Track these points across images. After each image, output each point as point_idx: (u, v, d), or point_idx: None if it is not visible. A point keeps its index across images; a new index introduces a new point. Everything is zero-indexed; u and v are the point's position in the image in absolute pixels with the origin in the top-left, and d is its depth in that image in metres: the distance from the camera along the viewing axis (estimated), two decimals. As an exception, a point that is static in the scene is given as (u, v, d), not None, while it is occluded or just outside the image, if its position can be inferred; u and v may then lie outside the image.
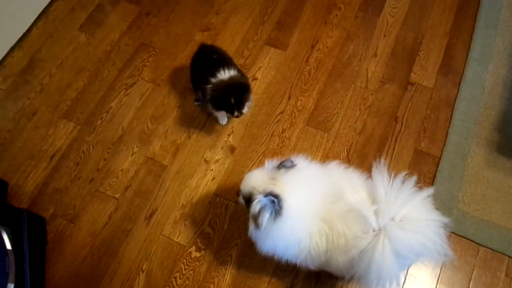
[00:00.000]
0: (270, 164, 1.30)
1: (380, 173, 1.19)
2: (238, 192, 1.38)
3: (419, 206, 1.17)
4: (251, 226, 1.30)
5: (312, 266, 1.38)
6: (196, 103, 1.97)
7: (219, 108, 1.74)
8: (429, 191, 1.18)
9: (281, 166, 1.26)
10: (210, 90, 1.68)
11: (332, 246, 1.24)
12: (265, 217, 1.22)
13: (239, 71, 1.75)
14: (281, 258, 1.38)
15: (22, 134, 1.95)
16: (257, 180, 1.27)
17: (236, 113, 1.71)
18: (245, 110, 1.75)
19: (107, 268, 1.68)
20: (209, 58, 1.76)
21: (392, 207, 1.15)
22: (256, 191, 1.24)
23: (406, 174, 1.18)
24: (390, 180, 1.18)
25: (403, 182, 1.17)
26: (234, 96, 1.65)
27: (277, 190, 1.21)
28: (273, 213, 1.21)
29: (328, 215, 1.23)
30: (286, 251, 1.33)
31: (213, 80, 1.68)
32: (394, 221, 1.14)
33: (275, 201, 1.19)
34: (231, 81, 1.67)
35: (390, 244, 1.13)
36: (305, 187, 1.26)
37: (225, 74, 1.68)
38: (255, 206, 1.22)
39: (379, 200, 1.17)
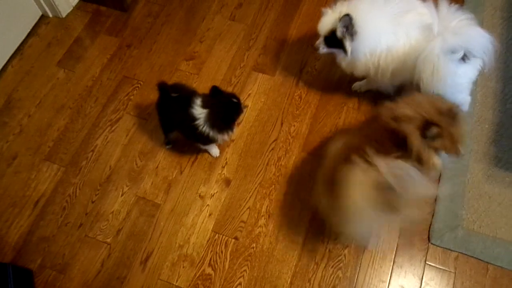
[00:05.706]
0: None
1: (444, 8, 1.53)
2: (316, 46, 1.75)
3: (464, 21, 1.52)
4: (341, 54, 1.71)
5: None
6: (167, 146, 1.89)
7: (233, 118, 1.68)
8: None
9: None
10: (217, 111, 1.62)
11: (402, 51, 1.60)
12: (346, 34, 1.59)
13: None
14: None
15: (2, 181, 1.84)
16: (327, 21, 1.63)
17: (242, 106, 1.70)
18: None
19: (103, 321, 1.57)
20: (174, 97, 1.68)
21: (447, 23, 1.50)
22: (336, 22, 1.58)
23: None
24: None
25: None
26: (233, 97, 1.66)
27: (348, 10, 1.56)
28: (351, 30, 1.57)
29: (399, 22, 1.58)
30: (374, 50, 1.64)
31: (199, 109, 1.62)
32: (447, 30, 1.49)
33: (350, 19, 1.54)
34: (211, 94, 1.64)
35: (443, 43, 1.47)
36: (374, 6, 1.59)
37: (200, 98, 1.64)
38: (340, 30, 1.59)
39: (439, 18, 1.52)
